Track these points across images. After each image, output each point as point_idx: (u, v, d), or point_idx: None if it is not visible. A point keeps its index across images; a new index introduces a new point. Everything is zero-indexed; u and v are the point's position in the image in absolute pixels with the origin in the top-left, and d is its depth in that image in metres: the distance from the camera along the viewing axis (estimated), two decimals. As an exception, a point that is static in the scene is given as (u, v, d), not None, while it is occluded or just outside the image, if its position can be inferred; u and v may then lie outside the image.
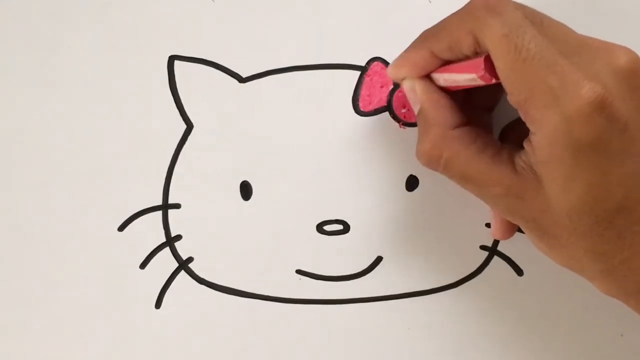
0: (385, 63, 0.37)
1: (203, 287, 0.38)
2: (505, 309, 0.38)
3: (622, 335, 0.38)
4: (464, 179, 0.31)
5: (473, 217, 0.37)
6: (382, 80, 0.37)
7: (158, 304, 0.38)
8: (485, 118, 0.35)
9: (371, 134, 0.37)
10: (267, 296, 0.38)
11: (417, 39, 0.33)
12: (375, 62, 0.37)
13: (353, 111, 0.37)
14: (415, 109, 0.33)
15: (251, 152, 0.38)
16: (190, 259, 0.38)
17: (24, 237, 0.38)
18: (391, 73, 0.34)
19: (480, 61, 0.29)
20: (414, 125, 0.37)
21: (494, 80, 0.29)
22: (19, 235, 0.38)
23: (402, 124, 0.37)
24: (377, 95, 0.37)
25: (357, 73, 0.37)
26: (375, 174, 0.38)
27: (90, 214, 0.38)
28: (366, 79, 0.37)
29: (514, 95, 0.28)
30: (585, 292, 0.37)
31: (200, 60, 0.38)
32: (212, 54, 0.38)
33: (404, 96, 0.37)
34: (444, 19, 0.31)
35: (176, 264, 0.38)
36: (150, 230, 0.38)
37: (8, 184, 0.38)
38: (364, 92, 0.37)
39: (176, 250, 0.38)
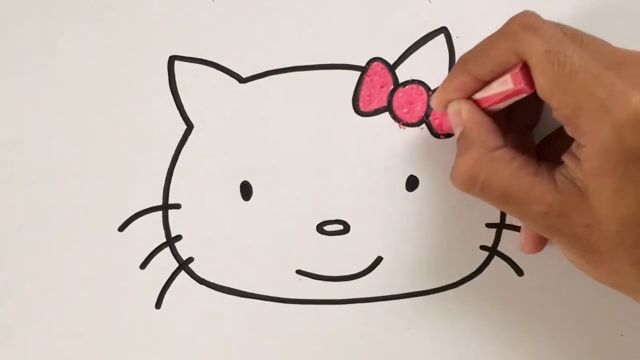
0: (386, 63, 0.37)
1: (203, 287, 0.38)
2: (505, 309, 0.38)
3: (622, 335, 0.38)
4: (504, 199, 0.31)
5: (473, 217, 0.37)
6: (382, 81, 0.37)
7: (158, 304, 0.38)
8: (526, 137, 0.35)
9: (371, 134, 0.37)
10: (267, 296, 0.38)
11: (457, 64, 0.33)
12: (375, 62, 0.37)
13: (353, 111, 0.37)
14: (457, 131, 0.33)
15: (251, 152, 0.38)
16: (190, 259, 0.38)
17: (24, 237, 0.38)
18: (435, 102, 0.34)
19: (516, 74, 0.29)
20: (414, 125, 0.37)
21: (530, 90, 0.29)
22: (20, 235, 0.38)
23: (402, 124, 0.37)
24: (377, 96, 0.37)
25: (357, 73, 0.37)
26: (375, 174, 0.38)
27: (90, 214, 0.38)
28: (366, 79, 0.37)
29: (561, 109, 0.28)
30: (585, 293, 0.37)
31: (200, 60, 0.38)
32: (212, 54, 0.38)
33: (404, 96, 0.37)
34: (482, 43, 0.31)
35: (176, 264, 0.38)
36: (150, 230, 0.38)
37: (8, 184, 0.38)
38: (364, 92, 0.37)
39: (176, 251, 0.38)
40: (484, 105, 0.32)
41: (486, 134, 0.32)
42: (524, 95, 0.30)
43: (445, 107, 0.34)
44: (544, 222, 0.30)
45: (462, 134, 0.33)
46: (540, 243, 0.35)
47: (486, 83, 0.32)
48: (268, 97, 0.38)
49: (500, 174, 0.31)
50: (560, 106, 0.28)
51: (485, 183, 0.31)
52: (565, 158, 0.30)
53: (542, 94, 0.29)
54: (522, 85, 0.29)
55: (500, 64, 0.30)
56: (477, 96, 0.33)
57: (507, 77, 0.30)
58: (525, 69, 0.29)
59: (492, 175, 0.31)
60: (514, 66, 0.30)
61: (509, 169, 0.31)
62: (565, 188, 0.29)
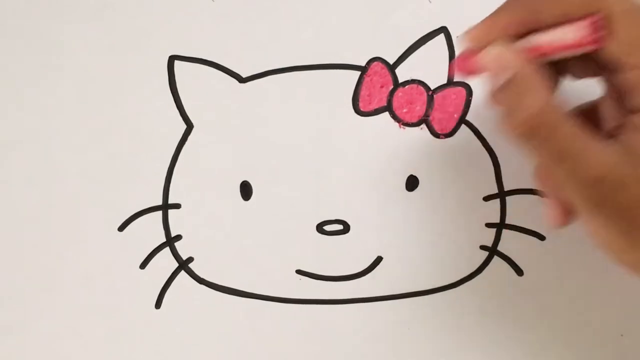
0: (386, 63, 0.37)
1: (203, 287, 0.38)
2: (505, 309, 0.38)
3: (622, 335, 0.38)
4: (563, 155, 0.27)
5: (473, 217, 0.37)
6: (382, 80, 0.37)
7: (158, 304, 0.38)
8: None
9: (371, 134, 0.37)
10: (267, 296, 0.38)
11: (508, 4, 0.29)
12: (375, 62, 0.37)
13: (353, 111, 0.37)
14: (503, 76, 0.29)
15: (251, 152, 0.38)
16: (190, 259, 0.38)
17: (24, 236, 0.38)
18: (472, 37, 0.30)
19: (595, 22, 0.27)
20: (414, 125, 0.37)
21: (602, 45, 0.27)
22: (20, 235, 0.38)
23: (402, 124, 0.37)
24: (377, 95, 0.37)
25: (357, 73, 0.37)
26: (375, 174, 0.38)
27: (90, 214, 0.38)
28: (366, 79, 0.37)
29: (636, 70, 0.27)
30: (585, 293, 0.37)
31: (200, 60, 0.38)
32: (212, 54, 0.38)
33: (404, 96, 0.37)
34: None
35: (176, 264, 0.38)
36: (150, 230, 0.38)
37: (8, 184, 0.38)
38: (364, 92, 0.37)
39: (176, 250, 0.38)
40: (531, 55, 0.29)
41: (545, 83, 0.28)
42: (586, 49, 0.28)
43: (481, 45, 0.30)
44: (596, 190, 0.27)
45: (514, 79, 0.28)
46: (570, 215, 0.31)
47: (535, 30, 0.29)
48: (268, 97, 0.38)
49: (566, 126, 0.27)
50: (636, 67, 0.27)
51: (552, 133, 0.27)
52: (629, 126, 0.28)
53: (618, 49, 0.27)
54: (599, 35, 0.27)
55: (570, 11, 0.28)
56: (528, 43, 0.29)
57: (581, 24, 0.27)
58: (602, 21, 0.27)
59: (559, 125, 0.27)
60: (588, 16, 0.27)
61: (574, 123, 0.27)
62: (627, 157, 0.27)
